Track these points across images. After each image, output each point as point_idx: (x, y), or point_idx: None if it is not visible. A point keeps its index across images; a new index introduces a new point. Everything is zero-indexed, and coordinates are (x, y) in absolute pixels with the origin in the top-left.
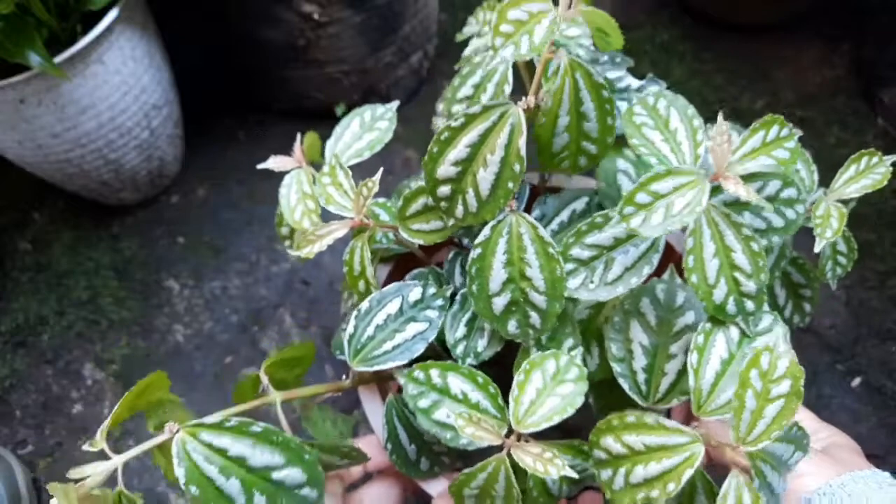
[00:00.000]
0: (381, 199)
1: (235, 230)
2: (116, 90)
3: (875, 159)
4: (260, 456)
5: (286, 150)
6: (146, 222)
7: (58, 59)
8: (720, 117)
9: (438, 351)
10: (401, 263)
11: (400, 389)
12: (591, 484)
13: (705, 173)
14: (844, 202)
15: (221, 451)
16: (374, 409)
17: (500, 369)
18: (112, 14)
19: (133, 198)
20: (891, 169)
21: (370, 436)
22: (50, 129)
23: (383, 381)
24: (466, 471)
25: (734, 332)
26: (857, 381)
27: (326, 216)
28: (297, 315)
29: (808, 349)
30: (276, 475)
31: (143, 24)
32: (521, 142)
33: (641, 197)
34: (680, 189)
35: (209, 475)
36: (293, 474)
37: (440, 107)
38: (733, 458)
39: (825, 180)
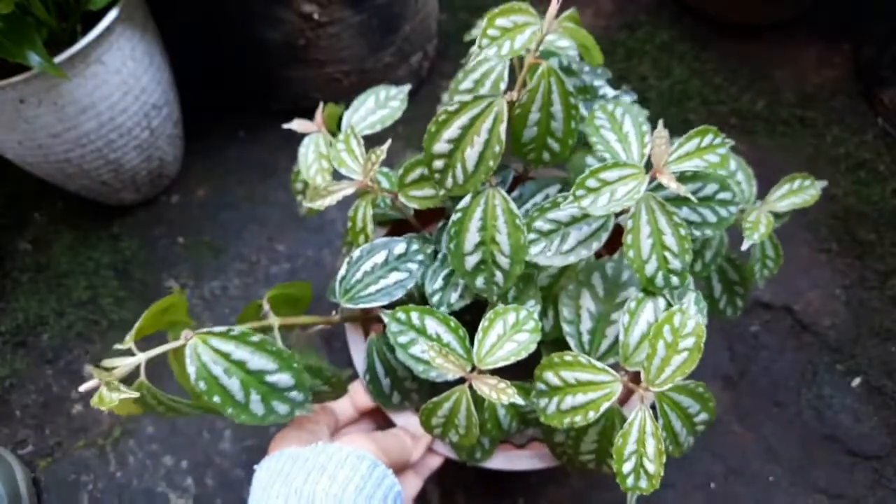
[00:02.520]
0: (384, 169)
1: (235, 230)
2: (116, 90)
3: (807, 182)
4: (257, 361)
5: (286, 149)
6: (146, 222)
7: (58, 59)
8: (660, 123)
9: (416, 299)
10: (396, 228)
11: (381, 330)
12: (536, 436)
13: (646, 168)
14: (777, 215)
15: (226, 355)
16: (356, 345)
17: (469, 328)
18: (112, 14)
19: (133, 198)
20: (820, 192)
21: (356, 382)
22: (50, 129)
23: (367, 322)
24: (434, 399)
25: (662, 302)
26: (857, 381)
27: (336, 178)
28: None
29: (807, 349)
30: (269, 378)
31: (143, 25)
32: (502, 128)
33: (591, 182)
34: (624, 179)
35: (215, 374)
36: (284, 379)
37: (445, 97)
38: (643, 396)
39: (822, 178)
